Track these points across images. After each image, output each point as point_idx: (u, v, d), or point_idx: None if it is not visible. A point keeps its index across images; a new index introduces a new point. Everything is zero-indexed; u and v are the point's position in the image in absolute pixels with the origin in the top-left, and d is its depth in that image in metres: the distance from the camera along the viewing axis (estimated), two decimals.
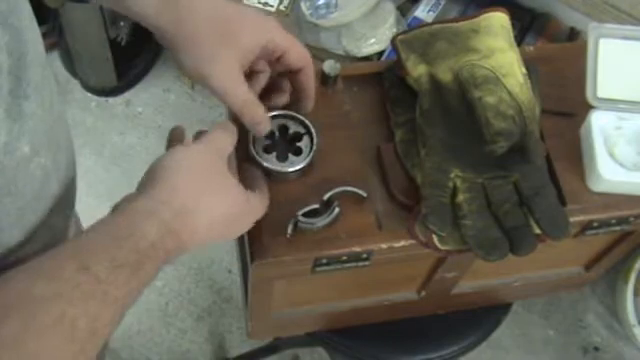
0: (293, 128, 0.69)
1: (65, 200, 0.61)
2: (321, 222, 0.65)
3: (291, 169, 0.67)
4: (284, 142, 0.69)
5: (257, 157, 0.67)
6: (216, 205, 0.56)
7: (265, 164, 0.67)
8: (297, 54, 0.64)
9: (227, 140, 0.61)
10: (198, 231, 0.54)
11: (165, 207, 0.52)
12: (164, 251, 0.51)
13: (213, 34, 0.61)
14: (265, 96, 0.68)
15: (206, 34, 0.61)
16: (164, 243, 0.51)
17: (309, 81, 0.67)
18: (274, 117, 0.68)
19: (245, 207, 0.59)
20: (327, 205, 0.66)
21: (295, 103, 0.69)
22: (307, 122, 0.69)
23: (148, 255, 0.49)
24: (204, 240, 0.55)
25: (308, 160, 0.68)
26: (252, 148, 0.67)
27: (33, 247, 0.56)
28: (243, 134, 0.66)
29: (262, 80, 0.67)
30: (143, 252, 0.49)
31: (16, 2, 0.47)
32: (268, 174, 0.67)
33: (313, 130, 0.68)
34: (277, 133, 0.69)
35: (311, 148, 0.68)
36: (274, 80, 0.69)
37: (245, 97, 0.63)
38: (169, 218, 0.52)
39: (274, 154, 0.68)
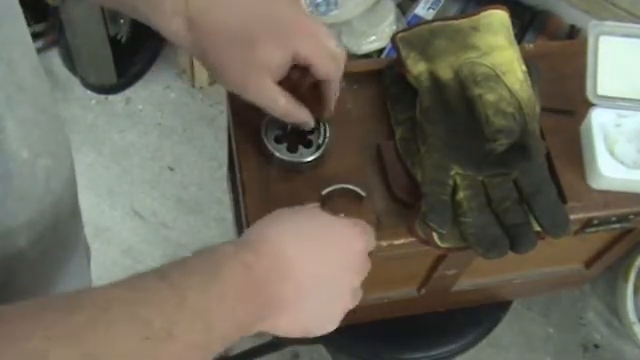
0: None
1: (67, 201, 0.62)
2: None
3: (301, 160, 0.68)
4: (296, 134, 0.69)
5: (269, 146, 0.67)
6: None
7: (276, 154, 0.67)
8: (322, 68, 0.61)
9: (370, 237, 0.60)
10: (287, 252, 0.52)
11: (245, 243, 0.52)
12: (242, 264, 0.49)
13: (238, 57, 0.58)
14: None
15: (231, 58, 0.59)
16: (240, 255, 0.49)
17: (329, 94, 0.65)
18: None
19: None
20: (327, 203, 0.66)
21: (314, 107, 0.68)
22: None
23: (221, 262, 0.48)
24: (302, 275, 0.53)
25: (319, 153, 0.68)
26: (264, 137, 0.67)
27: (41, 249, 0.56)
28: (256, 122, 0.66)
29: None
30: (215, 259, 0.48)
31: (3, 5, 0.47)
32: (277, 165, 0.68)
33: (326, 124, 0.69)
34: (289, 124, 0.69)
35: (323, 142, 0.68)
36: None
37: (283, 109, 0.62)
38: (245, 242, 0.51)
39: (285, 145, 0.68)
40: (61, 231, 0.61)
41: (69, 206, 0.63)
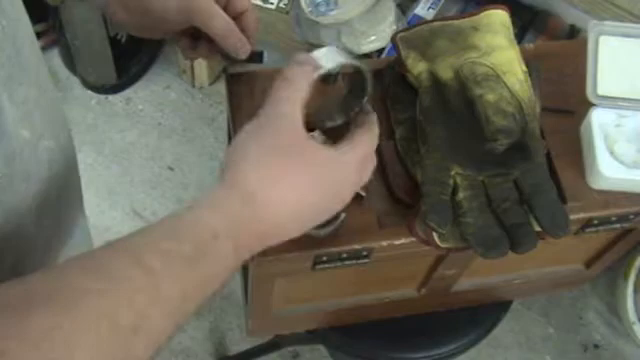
0: None
1: (70, 184, 0.62)
2: (328, 230, 0.64)
3: None
4: None
5: None
6: (297, 184, 0.52)
7: None
8: (240, 2, 0.65)
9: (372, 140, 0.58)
10: (280, 220, 0.50)
11: (234, 193, 0.48)
12: (234, 246, 0.47)
13: None
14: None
15: None
16: (233, 236, 0.46)
17: (251, 22, 0.66)
18: None
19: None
20: None
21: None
22: None
23: (208, 248, 0.45)
24: (296, 225, 0.52)
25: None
26: None
27: (43, 234, 0.57)
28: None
29: None
30: (202, 244, 0.45)
31: None
32: None
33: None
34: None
35: (322, 142, 0.67)
36: None
37: (226, 24, 0.63)
38: (238, 207, 0.48)
39: None
40: (65, 217, 0.61)
41: (72, 190, 0.63)
